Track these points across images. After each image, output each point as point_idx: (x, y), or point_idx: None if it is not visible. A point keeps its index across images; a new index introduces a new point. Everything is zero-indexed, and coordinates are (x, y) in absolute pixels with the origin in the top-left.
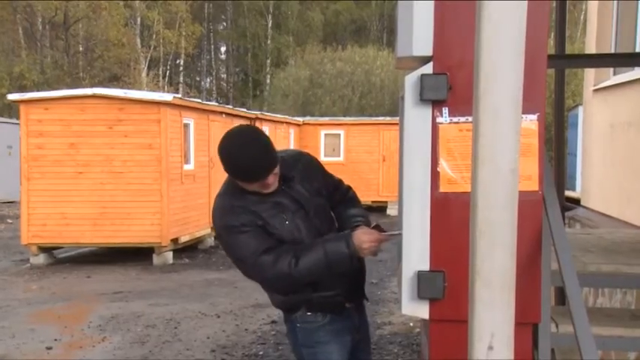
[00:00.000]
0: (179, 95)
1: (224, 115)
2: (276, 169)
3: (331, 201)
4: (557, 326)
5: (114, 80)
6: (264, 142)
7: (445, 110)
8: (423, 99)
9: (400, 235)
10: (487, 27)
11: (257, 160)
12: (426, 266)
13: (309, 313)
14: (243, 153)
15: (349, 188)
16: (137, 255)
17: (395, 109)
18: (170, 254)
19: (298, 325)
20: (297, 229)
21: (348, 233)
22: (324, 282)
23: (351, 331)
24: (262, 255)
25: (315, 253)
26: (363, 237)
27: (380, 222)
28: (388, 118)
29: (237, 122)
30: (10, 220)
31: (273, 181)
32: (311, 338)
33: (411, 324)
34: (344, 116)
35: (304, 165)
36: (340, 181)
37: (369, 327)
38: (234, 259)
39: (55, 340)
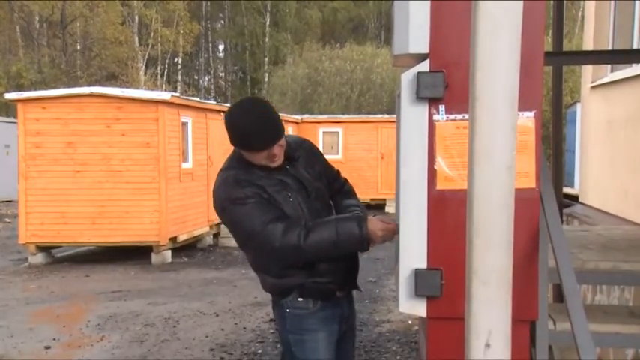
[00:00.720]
0: (177, 94)
1: (222, 114)
2: (283, 141)
3: (330, 190)
4: (554, 323)
5: (111, 79)
6: (272, 111)
7: (442, 108)
8: (419, 97)
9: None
10: (483, 24)
11: (265, 126)
12: (423, 264)
13: (300, 299)
14: (252, 119)
15: (347, 181)
16: (136, 254)
17: (394, 106)
18: (169, 253)
19: (287, 310)
20: (300, 207)
21: (362, 217)
22: (319, 267)
23: (340, 319)
24: (271, 223)
25: (326, 229)
26: (379, 224)
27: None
28: (387, 116)
29: None
30: (8, 220)
31: (279, 152)
32: (299, 325)
33: (410, 322)
34: (342, 114)
35: (307, 150)
36: (339, 172)
37: (356, 318)
38: (241, 233)
39: (54, 339)
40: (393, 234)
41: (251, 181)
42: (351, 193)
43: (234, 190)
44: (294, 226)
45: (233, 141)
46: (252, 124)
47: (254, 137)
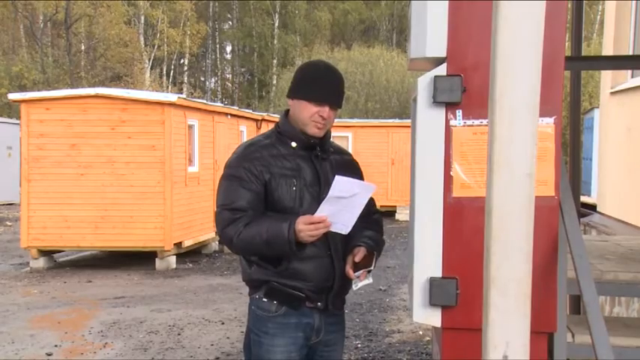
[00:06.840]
0: (183, 96)
1: (229, 116)
2: (334, 115)
3: None
4: (573, 336)
5: (116, 80)
6: (343, 81)
7: (459, 113)
8: (436, 101)
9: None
10: (504, 27)
11: (332, 82)
12: (438, 272)
13: (264, 300)
14: (325, 71)
15: (378, 212)
16: (139, 259)
17: (402, 110)
18: (173, 259)
19: (253, 307)
20: (300, 200)
21: (295, 216)
22: (290, 267)
23: (306, 329)
24: (226, 209)
25: (258, 227)
26: (305, 220)
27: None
28: (397, 120)
29: (242, 124)
30: (9, 223)
31: (327, 120)
32: (259, 326)
33: (421, 332)
34: (351, 118)
35: (346, 161)
36: (373, 200)
37: (343, 334)
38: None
39: (56, 346)
40: (324, 228)
41: (266, 156)
42: (375, 223)
43: (239, 160)
44: (239, 222)
45: (295, 85)
46: (322, 74)
47: (318, 84)
